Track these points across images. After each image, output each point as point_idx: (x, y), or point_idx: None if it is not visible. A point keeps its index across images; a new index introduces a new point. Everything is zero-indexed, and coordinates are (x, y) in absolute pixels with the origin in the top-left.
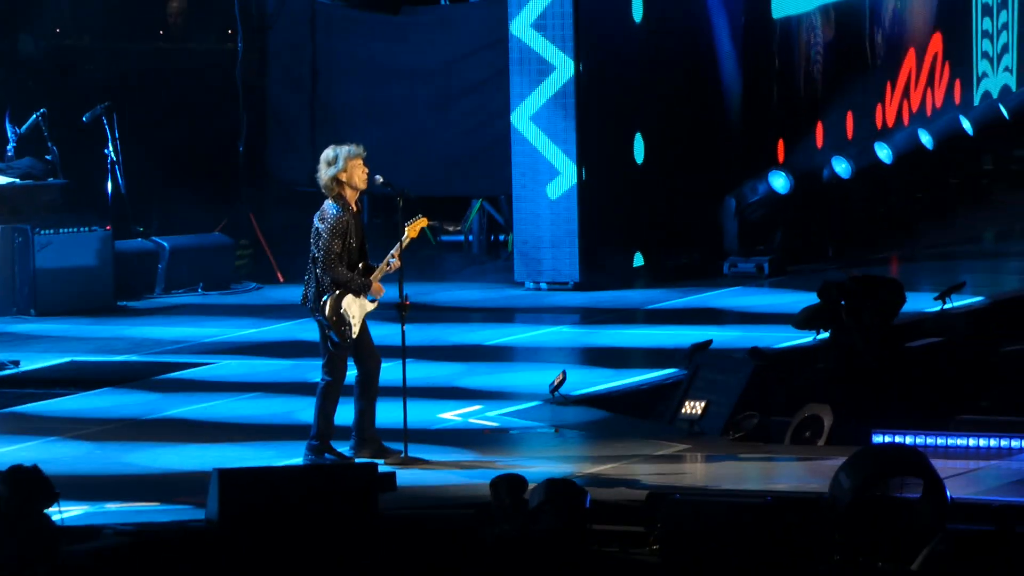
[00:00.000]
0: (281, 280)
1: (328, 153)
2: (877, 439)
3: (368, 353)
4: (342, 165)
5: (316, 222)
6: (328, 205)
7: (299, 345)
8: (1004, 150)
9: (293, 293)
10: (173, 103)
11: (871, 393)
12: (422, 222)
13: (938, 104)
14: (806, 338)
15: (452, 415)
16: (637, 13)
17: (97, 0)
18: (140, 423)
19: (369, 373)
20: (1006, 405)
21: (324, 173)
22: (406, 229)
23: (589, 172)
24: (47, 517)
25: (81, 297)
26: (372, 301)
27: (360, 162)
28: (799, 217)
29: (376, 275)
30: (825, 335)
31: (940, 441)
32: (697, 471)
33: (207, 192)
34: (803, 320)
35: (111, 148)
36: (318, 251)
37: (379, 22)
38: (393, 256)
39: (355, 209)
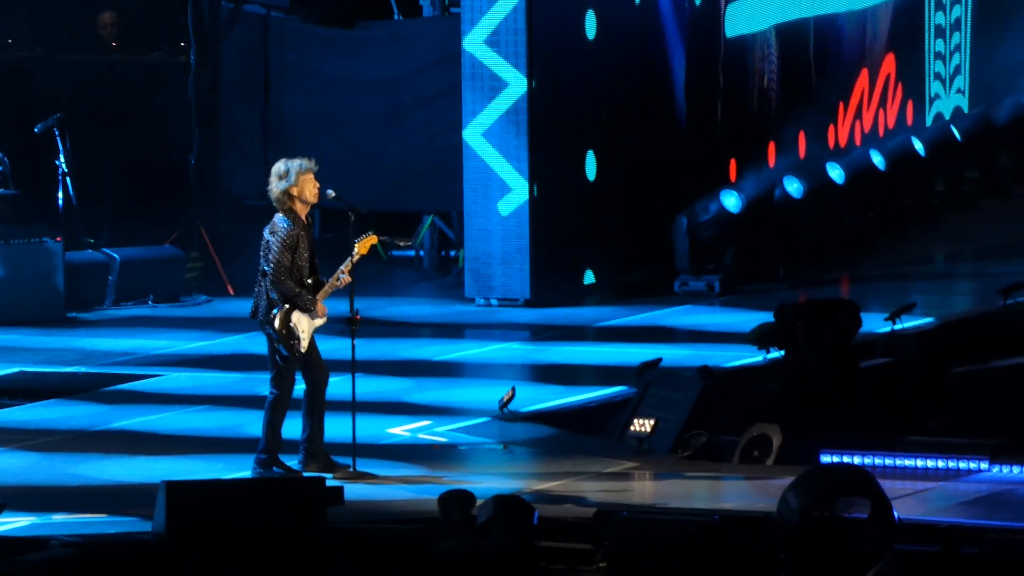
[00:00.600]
0: (231, 293)
1: (279, 167)
2: (825, 459)
3: (316, 367)
4: (294, 179)
5: (267, 235)
6: (279, 218)
7: (249, 358)
8: (956, 172)
9: (243, 306)
10: (125, 115)
11: (820, 413)
12: (372, 239)
13: (891, 125)
14: (755, 357)
15: (401, 430)
16: (590, 30)
17: (51, 11)
18: (88, 434)
19: (317, 387)
20: (955, 426)
21: (275, 187)
22: (356, 246)
23: (541, 189)
24: None
25: (30, 308)
26: (323, 316)
27: (311, 176)
28: (750, 236)
29: (324, 293)
30: (776, 354)
31: (888, 462)
32: (645, 489)
33: (158, 204)
34: (756, 337)
35: (62, 159)
36: (267, 264)
37: (332, 36)
38: (343, 272)
39: (306, 223)
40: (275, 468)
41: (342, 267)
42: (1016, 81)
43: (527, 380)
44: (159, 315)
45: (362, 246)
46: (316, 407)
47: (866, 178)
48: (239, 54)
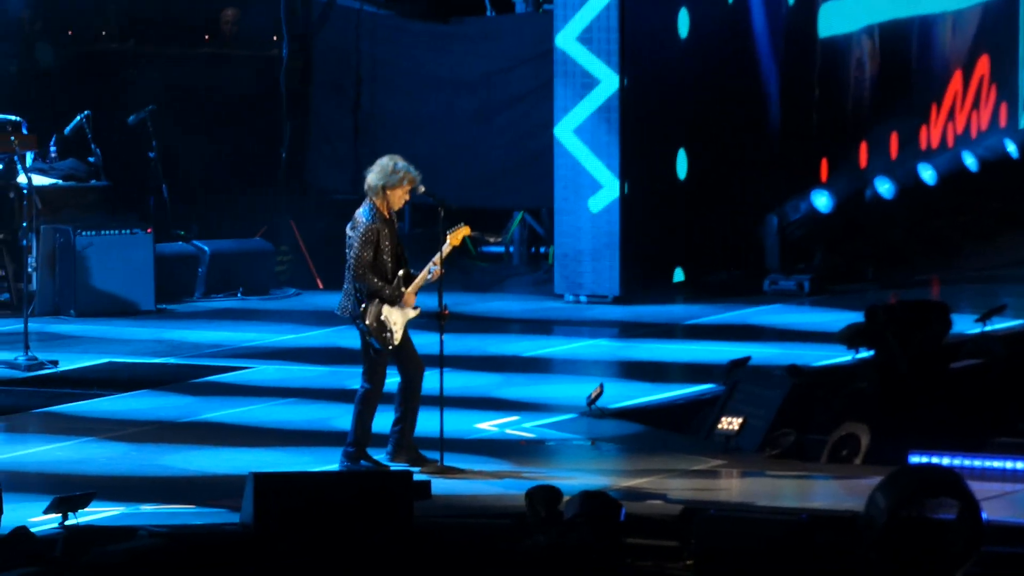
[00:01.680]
0: (320, 287)
1: (394, 163)
2: (914, 459)
3: (410, 360)
4: (395, 182)
5: (348, 230)
6: (360, 212)
7: (337, 352)
8: None
9: (332, 300)
10: (217, 108)
11: (909, 413)
12: (464, 230)
13: (983, 126)
14: (845, 357)
15: (489, 425)
16: (683, 28)
17: (144, 5)
18: (176, 426)
19: (412, 380)
20: None
21: (376, 176)
22: (448, 237)
23: (631, 186)
24: None
25: (121, 299)
26: (415, 308)
27: (408, 189)
28: (841, 236)
29: (415, 285)
30: (866, 354)
31: (977, 463)
32: (732, 487)
33: (249, 197)
34: (846, 337)
35: (154, 151)
36: (350, 259)
37: (425, 31)
38: (435, 264)
39: (388, 217)
40: (363, 462)
41: (434, 259)
42: None
43: (615, 377)
44: (248, 307)
45: (454, 237)
46: (410, 401)
47: (957, 180)
48: (331, 48)
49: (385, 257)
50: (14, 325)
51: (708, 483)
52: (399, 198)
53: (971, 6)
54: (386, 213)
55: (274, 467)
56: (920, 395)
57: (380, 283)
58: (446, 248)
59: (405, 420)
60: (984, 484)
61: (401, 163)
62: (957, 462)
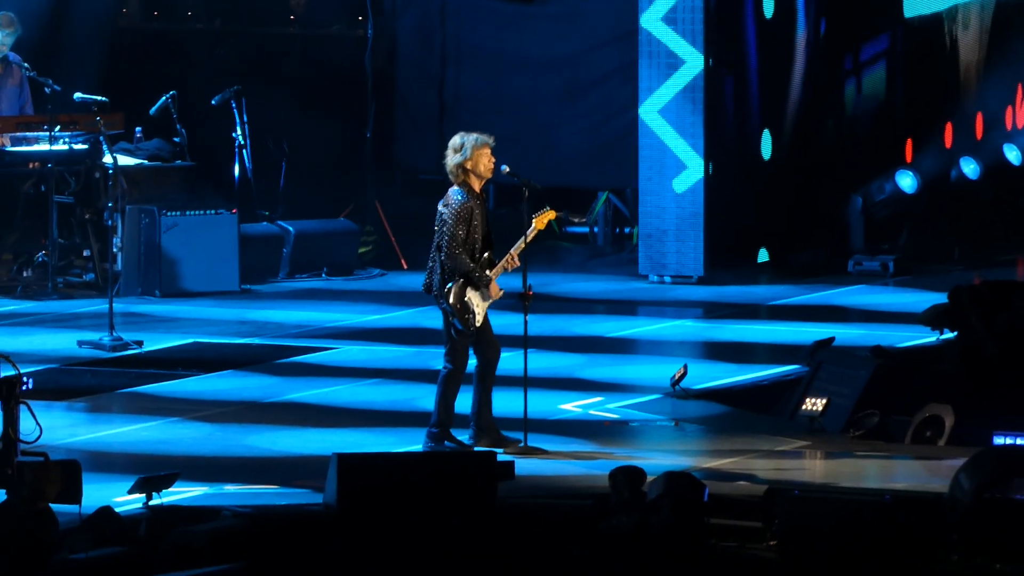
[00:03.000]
0: (405, 267)
1: (456, 140)
2: (999, 440)
3: (488, 344)
4: (469, 153)
5: (440, 208)
6: (453, 191)
7: (421, 332)
8: None
9: (416, 280)
10: (302, 88)
11: (994, 394)
12: (550, 215)
13: None
14: (929, 338)
15: (572, 406)
16: (768, 8)
17: None
18: (261, 406)
19: (489, 362)
20: None
21: (451, 159)
22: (533, 220)
23: (716, 167)
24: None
25: (205, 279)
26: (499, 290)
27: (488, 151)
28: (926, 217)
29: (497, 271)
30: (949, 335)
31: None
32: (816, 468)
33: (333, 178)
34: (930, 318)
35: (239, 132)
36: (441, 237)
37: (509, 12)
38: (519, 249)
39: (480, 197)
40: (446, 442)
41: (519, 243)
42: None
43: (699, 358)
44: (332, 288)
45: (539, 221)
46: (486, 383)
47: None
48: (416, 29)
49: (475, 236)
50: (100, 305)
51: (792, 464)
52: (483, 165)
53: None
54: (479, 191)
55: (358, 448)
56: (1005, 376)
57: (471, 263)
58: (531, 232)
59: (483, 402)
60: None
61: (465, 135)
62: None
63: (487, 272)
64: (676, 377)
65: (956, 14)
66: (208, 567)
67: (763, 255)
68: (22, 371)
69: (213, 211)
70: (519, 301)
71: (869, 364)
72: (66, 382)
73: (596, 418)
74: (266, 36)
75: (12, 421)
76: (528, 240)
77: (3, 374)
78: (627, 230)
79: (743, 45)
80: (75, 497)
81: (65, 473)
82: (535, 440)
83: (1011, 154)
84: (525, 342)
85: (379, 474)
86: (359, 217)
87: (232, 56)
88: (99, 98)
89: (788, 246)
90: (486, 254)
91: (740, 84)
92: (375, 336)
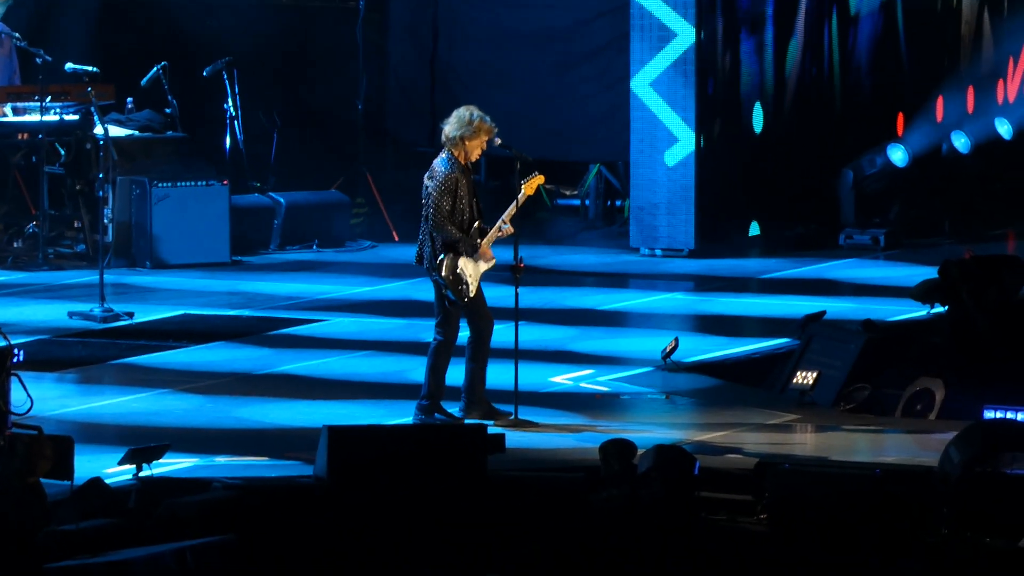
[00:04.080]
0: (396, 239)
1: (465, 114)
2: (988, 414)
3: (481, 315)
4: (471, 132)
5: (425, 180)
6: (437, 162)
7: (413, 304)
8: None
9: (407, 252)
10: (293, 60)
11: (984, 368)
12: (539, 179)
13: None
14: (920, 312)
15: (563, 379)
16: None
17: None
18: (251, 378)
19: (481, 334)
20: None
21: (452, 128)
22: (522, 186)
23: (707, 140)
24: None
25: (196, 251)
26: (491, 259)
27: (487, 138)
28: (916, 191)
29: (490, 238)
30: (940, 310)
31: None
32: (807, 441)
33: (325, 150)
34: (921, 293)
35: (230, 103)
36: (427, 209)
37: None
38: (510, 215)
39: (465, 167)
40: (437, 415)
41: (509, 208)
42: None
43: (690, 331)
44: (324, 260)
45: (528, 186)
46: (480, 356)
47: None
48: (408, 0)
49: (462, 206)
50: (90, 276)
51: (782, 437)
52: (476, 148)
53: None
54: (464, 163)
55: (348, 420)
56: (995, 350)
57: (458, 234)
58: (521, 197)
59: (476, 375)
60: None
61: (477, 113)
62: None
63: (479, 240)
64: (667, 350)
65: None
66: (198, 539)
67: (754, 228)
68: (12, 342)
69: (204, 182)
70: (510, 273)
71: (860, 338)
72: (57, 353)
73: (587, 391)
74: (258, 6)
75: (3, 393)
76: (520, 204)
77: None
78: (618, 203)
79: (735, 18)
80: (67, 473)
81: (57, 448)
82: (525, 413)
83: (1002, 128)
84: (516, 314)
85: (369, 446)
86: (350, 189)
87: (223, 27)
88: (90, 68)
89: (779, 220)
90: (476, 224)
91: (732, 57)
92: (366, 308)
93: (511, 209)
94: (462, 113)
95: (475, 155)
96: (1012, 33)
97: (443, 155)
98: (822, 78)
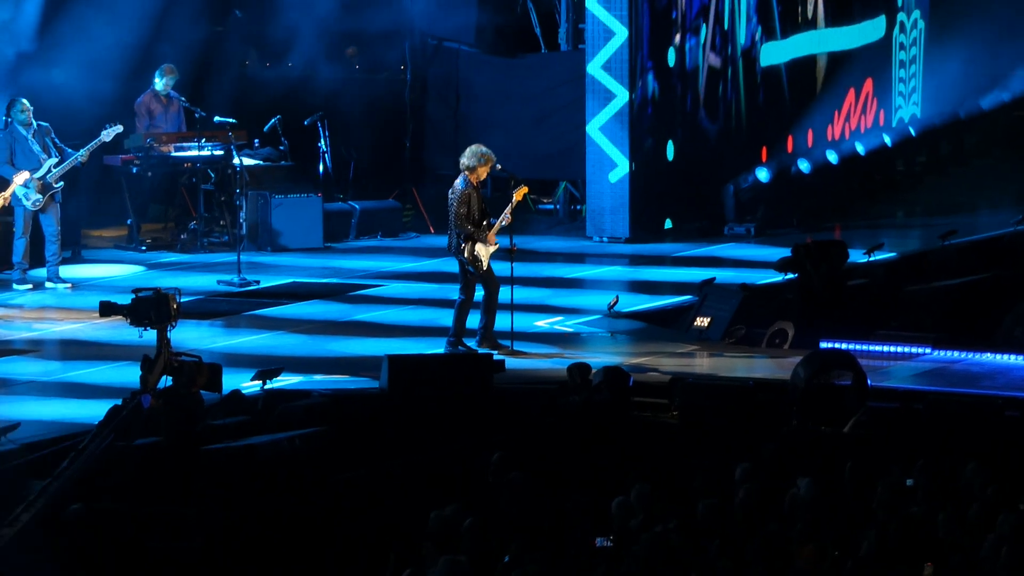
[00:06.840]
0: (432, 232)
1: (480, 149)
2: (824, 345)
3: (491, 281)
4: (482, 163)
5: (449, 194)
6: (457, 182)
7: (444, 275)
8: (910, 157)
9: (440, 240)
10: (364, 113)
11: (820, 315)
12: (524, 189)
13: (868, 125)
14: (778, 278)
15: (543, 323)
16: (671, 60)
17: (313, 40)
18: (337, 324)
19: (492, 294)
20: (908, 325)
21: (468, 158)
22: (514, 195)
23: (637, 165)
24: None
25: (300, 240)
26: (495, 244)
27: (489, 167)
28: (776, 198)
29: (494, 229)
30: (792, 276)
31: (865, 347)
32: (704, 363)
33: (385, 173)
34: (779, 266)
35: (323, 142)
36: (451, 214)
37: (500, 63)
38: (507, 214)
39: (476, 185)
40: (460, 348)
41: (506, 210)
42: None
43: (627, 291)
44: (384, 245)
45: (517, 194)
46: (491, 307)
47: (851, 161)
48: (439, 73)
49: (475, 211)
50: (231, 257)
51: (687, 361)
52: (484, 172)
53: (860, 46)
54: (475, 182)
55: (401, 350)
56: (828, 303)
57: (472, 229)
58: (513, 202)
59: (488, 321)
60: (870, 361)
61: (484, 149)
62: (852, 347)
63: (487, 232)
64: (611, 304)
65: (793, 64)
66: (303, 429)
67: (668, 224)
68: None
69: (305, 195)
70: (507, 254)
71: (739, 295)
72: (209, 307)
73: (559, 331)
74: (343, 79)
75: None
76: (513, 206)
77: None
78: (578, 207)
79: (654, 85)
80: (217, 388)
81: (211, 371)
82: (519, 346)
83: (831, 157)
84: (512, 280)
85: (416, 368)
86: (402, 198)
87: (319, 91)
88: (231, 120)
89: (685, 217)
90: (484, 221)
91: (653, 110)
92: (412, 277)
93: (507, 210)
94: (474, 148)
95: (483, 176)
96: (837, 94)
97: (461, 177)
98: (714, 122)
